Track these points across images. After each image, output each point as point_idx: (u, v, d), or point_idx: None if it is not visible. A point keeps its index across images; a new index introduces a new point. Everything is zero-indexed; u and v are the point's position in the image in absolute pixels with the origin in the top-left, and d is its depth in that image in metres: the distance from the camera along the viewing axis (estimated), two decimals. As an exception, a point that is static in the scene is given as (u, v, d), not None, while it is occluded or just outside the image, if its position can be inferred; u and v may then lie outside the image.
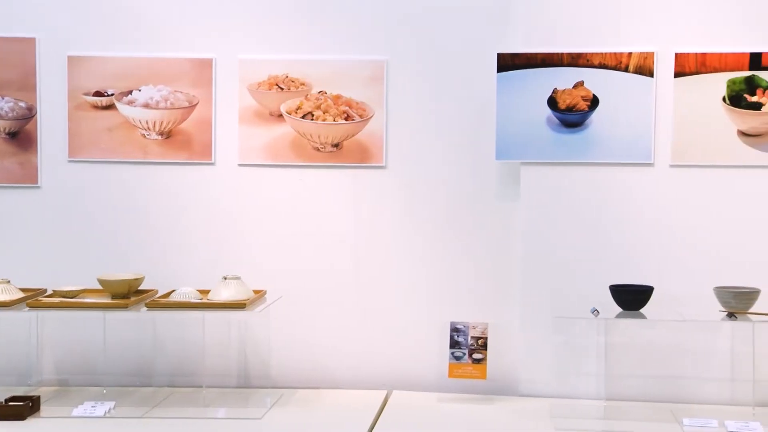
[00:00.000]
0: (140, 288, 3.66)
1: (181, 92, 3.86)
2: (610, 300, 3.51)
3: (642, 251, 3.69)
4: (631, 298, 3.50)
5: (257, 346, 3.89)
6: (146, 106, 3.86)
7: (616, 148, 3.68)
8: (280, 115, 3.86)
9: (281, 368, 3.86)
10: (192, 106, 3.86)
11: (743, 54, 3.59)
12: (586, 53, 3.67)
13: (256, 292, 3.67)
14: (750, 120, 3.60)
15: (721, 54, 3.60)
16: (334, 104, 3.84)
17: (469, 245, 3.84)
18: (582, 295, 3.60)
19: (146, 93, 3.86)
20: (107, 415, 3.45)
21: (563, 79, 3.69)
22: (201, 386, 3.68)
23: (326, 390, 3.82)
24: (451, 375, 3.71)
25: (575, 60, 3.68)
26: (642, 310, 3.50)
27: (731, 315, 3.42)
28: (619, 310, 3.51)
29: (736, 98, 3.60)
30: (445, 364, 3.73)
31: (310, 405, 3.63)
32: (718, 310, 3.46)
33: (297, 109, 3.85)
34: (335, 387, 3.85)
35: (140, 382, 3.87)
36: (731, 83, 3.60)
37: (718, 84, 3.60)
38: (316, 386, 3.85)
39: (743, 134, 3.62)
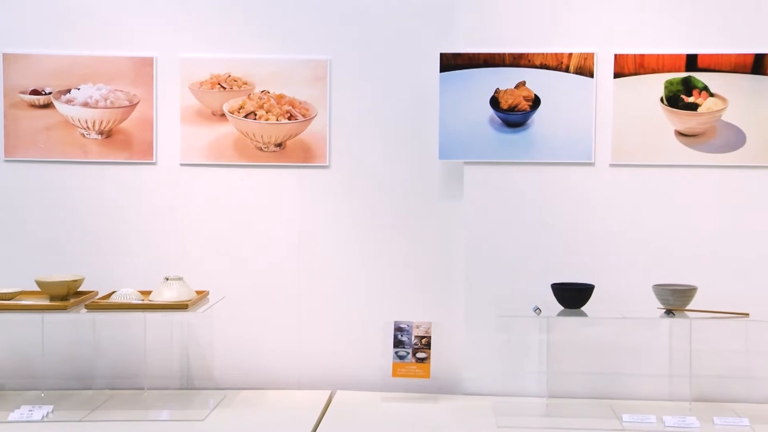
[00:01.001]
0: (80, 290, 3.61)
1: (122, 91, 3.81)
2: (552, 298, 3.55)
3: (584, 250, 3.74)
4: (572, 296, 3.54)
5: (200, 347, 3.85)
6: (85, 105, 3.80)
7: (557, 147, 3.72)
8: (223, 115, 3.83)
9: (224, 369, 3.84)
10: (132, 105, 3.82)
11: (680, 56, 3.65)
12: (528, 54, 3.70)
13: (198, 292, 3.64)
14: (687, 120, 3.66)
15: (658, 55, 3.66)
16: (277, 104, 3.82)
17: (412, 244, 3.85)
18: (525, 293, 3.65)
19: (85, 92, 3.80)
20: (45, 419, 3.39)
21: (505, 79, 3.72)
22: (142, 388, 3.65)
23: (270, 391, 3.81)
24: (394, 374, 3.72)
25: (517, 60, 3.71)
26: (583, 308, 3.54)
27: (669, 312, 3.48)
28: (561, 308, 3.55)
29: (674, 99, 3.66)
30: (389, 364, 3.74)
31: (254, 406, 3.61)
32: (656, 308, 3.52)
33: (240, 109, 3.82)
34: (279, 387, 3.83)
35: (80, 385, 3.81)
36: (669, 84, 3.66)
37: (656, 85, 3.66)
38: (259, 387, 3.83)
39: (680, 134, 3.68)
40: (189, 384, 3.83)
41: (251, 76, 3.83)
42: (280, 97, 3.82)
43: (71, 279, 3.55)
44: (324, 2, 3.82)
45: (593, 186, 3.73)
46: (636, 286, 3.61)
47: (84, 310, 3.48)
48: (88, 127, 3.82)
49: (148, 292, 3.59)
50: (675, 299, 3.47)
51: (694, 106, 3.66)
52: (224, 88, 3.82)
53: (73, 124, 3.82)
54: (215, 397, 3.66)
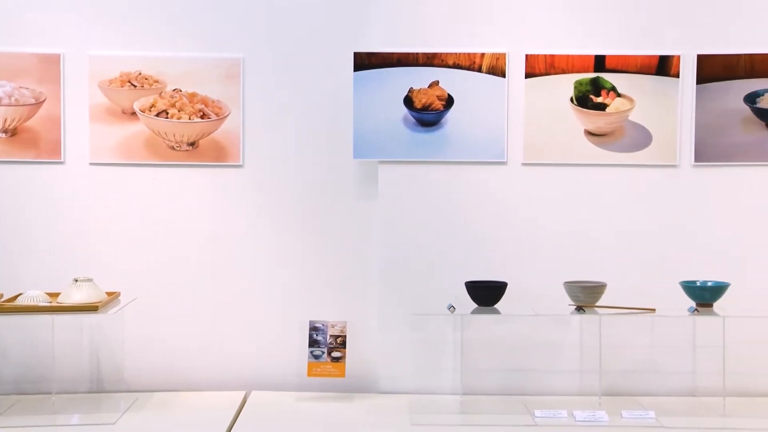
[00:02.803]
0: (-16, 292, 3.52)
1: (27, 88, 3.71)
2: (467, 296, 3.58)
3: (497, 248, 3.78)
4: (486, 294, 3.57)
5: (111, 350, 3.78)
6: (-10, 102, 3.71)
7: (470, 146, 3.76)
8: (134, 113, 3.76)
9: (136, 371, 3.78)
10: (39, 103, 3.72)
11: (588, 56, 3.72)
12: (441, 53, 3.73)
13: (109, 293, 3.58)
14: (596, 120, 3.74)
15: (568, 56, 3.72)
16: (190, 102, 3.77)
17: (327, 244, 3.84)
18: (439, 292, 3.67)
19: (-11, 89, 3.71)
20: (-53, 426, 3.30)
21: (419, 78, 3.74)
22: (50, 392, 3.56)
23: (183, 392, 3.76)
24: (310, 374, 3.71)
25: (430, 60, 3.74)
26: (497, 306, 3.58)
27: (580, 308, 3.54)
28: (475, 306, 3.58)
29: (583, 99, 3.73)
30: (304, 363, 3.73)
31: (167, 408, 3.56)
32: (567, 304, 3.58)
33: (151, 107, 3.76)
34: (193, 389, 3.79)
35: (-16, 391, 3.72)
36: (578, 84, 3.72)
37: (566, 85, 3.73)
38: (173, 389, 3.78)
39: (590, 134, 3.75)
40: (99, 387, 3.76)
41: (163, 74, 3.77)
42: (192, 96, 3.77)
43: (-25, 281, 3.46)
44: (237, 0, 3.79)
45: (506, 185, 3.78)
46: (548, 284, 3.67)
47: (-12, 314, 3.39)
48: (-7, 126, 3.73)
49: (57, 294, 3.51)
50: (585, 296, 3.54)
51: (602, 106, 3.73)
52: (135, 86, 3.76)
53: (-23, 123, 3.73)
54: (127, 400, 3.60)
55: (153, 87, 3.77)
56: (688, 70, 3.71)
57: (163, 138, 3.79)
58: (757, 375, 3.73)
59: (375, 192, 3.81)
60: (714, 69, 3.70)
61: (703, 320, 3.66)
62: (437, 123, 3.76)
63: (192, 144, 3.80)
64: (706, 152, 3.73)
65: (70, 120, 3.75)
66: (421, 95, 3.74)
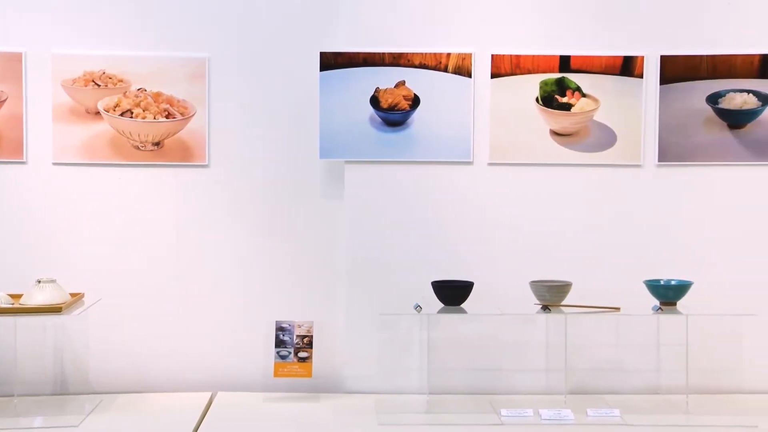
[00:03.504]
0: (-55, 294, 3.47)
1: (-12, 87, 3.69)
2: (433, 296, 3.59)
3: (464, 248, 3.79)
4: (452, 293, 3.58)
5: (75, 352, 3.75)
6: (-50, 101, 3.66)
7: (437, 146, 3.76)
8: (98, 113, 3.73)
9: (100, 373, 3.75)
10: (0, 102, 3.68)
11: (554, 57, 3.74)
12: (407, 53, 3.73)
13: (73, 295, 3.54)
14: (561, 120, 3.76)
15: (534, 56, 3.74)
16: (155, 102, 3.74)
17: (293, 244, 3.83)
18: (406, 291, 3.67)
19: (-50, 88, 3.66)
20: None
21: (385, 78, 3.74)
22: (12, 395, 3.51)
23: (149, 394, 3.73)
24: (276, 374, 3.70)
25: (396, 60, 3.74)
26: (463, 305, 3.58)
27: (545, 308, 3.56)
28: (442, 305, 3.59)
29: (548, 99, 3.75)
30: (271, 364, 3.71)
31: (131, 410, 3.53)
32: (534, 303, 3.59)
33: (115, 107, 3.73)
34: (158, 390, 3.76)
35: (-55, 394, 3.67)
36: (543, 84, 3.74)
37: (531, 85, 3.74)
38: (138, 390, 3.75)
39: (555, 134, 3.78)
40: (63, 389, 3.72)
41: (127, 73, 3.74)
42: (157, 95, 3.75)
43: (-65, 283, 3.42)
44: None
45: (472, 185, 3.79)
46: (514, 283, 3.67)
47: (-51, 315, 3.35)
48: (-47, 125, 3.68)
49: (19, 296, 3.47)
50: (551, 295, 3.55)
51: (567, 106, 3.75)
52: (99, 85, 3.72)
53: (-63, 122, 3.68)
54: (91, 402, 3.57)
55: (117, 86, 3.74)
56: (652, 70, 3.74)
57: (128, 138, 3.76)
58: (719, 372, 3.77)
59: (342, 192, 3.81)
60: (677, 70, 3.74)
61: (666, 318, 3.69)
62: (403, 123, 3.76)
63: (157, 144, 3.77)
64: (669, 152, 3.77)
65: (33, 119, 3.71)
66: (388, 95, 3.74)
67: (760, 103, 3.74)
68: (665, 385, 3.75)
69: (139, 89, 3.74)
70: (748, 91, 3.74)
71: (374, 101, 3.74)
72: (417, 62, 3.73)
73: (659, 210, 3.79)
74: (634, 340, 3.76)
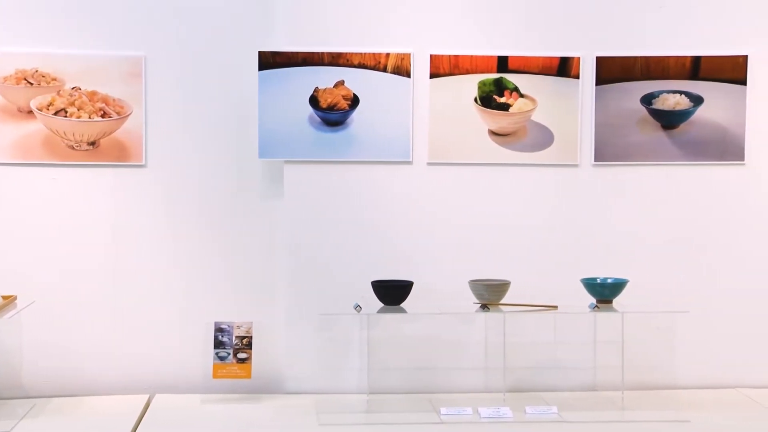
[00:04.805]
0: None
1: None
2: (373, 296, 3.59)
3: (404, 247, 3.80)
4: (392, 293, 3.59)
5: (7, 355, 3.67)
6: None
7: (376, 146, 3.77)
8: (30, 112, 3.66)
9: (34, 376, 3.68)
10: (-71, 101, 3.61)
11: (492, 57, 3.77)
12: (346, 53, 3.73)
13: (5, 297, 3.48)
14: (499, 120, 3.79)
15: (472, 56, 3.76)
16: (90, 101, 3.69)
17: (232, 244, 3.81)
18: (346, 291, 3.66)
19: None
20: None
21: (324, 78, 3.73)
22: (-59, 400, 3.45)
23: (84, 397, 3.67)
24: (215, 375, 3.67)
25: (336, 59, 3.73)
26: (403, 305, 3.59)
27: (484, 306, 3.58)
28: (382, 305, 3.59)
29: (487, 99, 3.78)
30: (209, 365, 3.68)
31: (66, 414, 3.48)
32: (473, 302, 3.62)
33: (49, 106, 3.67)
34: (93, 393, 3.70)
35: None
36: (482, 85, 3.77)
37: (470, 85, 3.77)
38: (72, 394, 3.68)
39: (494, 134, 3.80)
40: (-5, 394, 3.66)
41: (61, 72, 3.68)
42: (92, 94, 3.69)
43: None
44: (139, -3, 3.74)
45: (412, 184, 3.80)
46: (453, 282, 3.69)
47: None
48: None
49: (-51, 299, 3.41)
50: (489, 294, 3.58)
51: (505, 107, 3.78)
52: (31, 84, 3.65)
53: None
54: (24, 407, 3.50)
55: (51, 85, 3.67)
56: (588, 71, 3.79)
57: (62, 137, 3.69)
58: (654, 369, 3.83)
59: (281, 192, 3.79)
60: (612, 70, 3.79)
61: (603, 316, 3.74)
62: (343, 123, 3.76)
63: (92, 143, 3.72)
64: (605, 152, 3.82)
65: (-37, 118, 3.65)
66: (327, 95, 3.74)
67: (692, 104, 3.81)
68: (602, 382, 3.80)
69: (73, 88, 3.68)
70: (681, 92, 3.81)
71: (313, 101, 3.73)
72: (356, 62, 3.73)
73: (596, 209, 3.85)
74: (571, 338, 3.80)
